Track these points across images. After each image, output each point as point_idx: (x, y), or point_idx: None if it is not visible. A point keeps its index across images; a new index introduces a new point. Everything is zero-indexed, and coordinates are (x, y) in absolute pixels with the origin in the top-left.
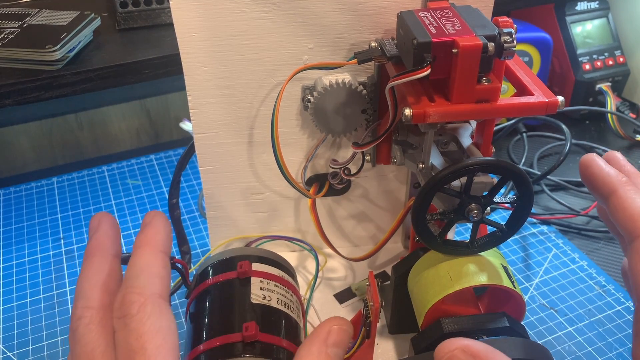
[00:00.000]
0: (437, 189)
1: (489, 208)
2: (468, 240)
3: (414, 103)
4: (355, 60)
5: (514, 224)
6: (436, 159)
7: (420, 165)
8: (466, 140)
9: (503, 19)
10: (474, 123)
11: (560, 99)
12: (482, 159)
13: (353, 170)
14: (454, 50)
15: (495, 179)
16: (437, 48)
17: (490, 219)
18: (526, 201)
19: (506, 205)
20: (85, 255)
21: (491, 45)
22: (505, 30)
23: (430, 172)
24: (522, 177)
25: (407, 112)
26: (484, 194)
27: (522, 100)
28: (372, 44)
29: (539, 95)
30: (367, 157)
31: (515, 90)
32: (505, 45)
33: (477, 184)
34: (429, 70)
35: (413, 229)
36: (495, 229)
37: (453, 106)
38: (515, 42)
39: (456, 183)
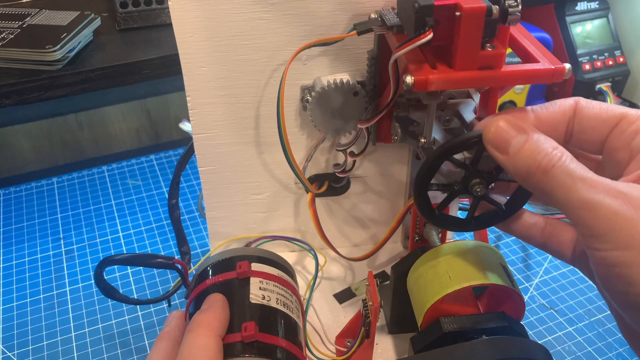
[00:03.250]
0: (448, 155)
1: (492, 185)
2: (465, 217)
3: (416, 70)
4: (354, 32)
5: (514, 205)
6: (438, 134)
7: (422, 141)
8: (469, 115)
9: None
10: (477, 98)
11: (567, 66)
12: None
13: (357, 151)
14: (457, 14)
15: None
16: (440, 11)
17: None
18: None
19: (510, 184)
20: (157, 338)
21: (495, 8)
22: None
23: (432, 148)
24: None
25: (409, 79)
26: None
27: (527, 67)
28: (372, 15)
29: (545, 62)
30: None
31: (520, 60)
32: (510, 9)
33: (485, 157)
34: (431, 34)
35: (413, 199)
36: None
37: (456, 73)
38: (520, 7)
39: (460, 156)
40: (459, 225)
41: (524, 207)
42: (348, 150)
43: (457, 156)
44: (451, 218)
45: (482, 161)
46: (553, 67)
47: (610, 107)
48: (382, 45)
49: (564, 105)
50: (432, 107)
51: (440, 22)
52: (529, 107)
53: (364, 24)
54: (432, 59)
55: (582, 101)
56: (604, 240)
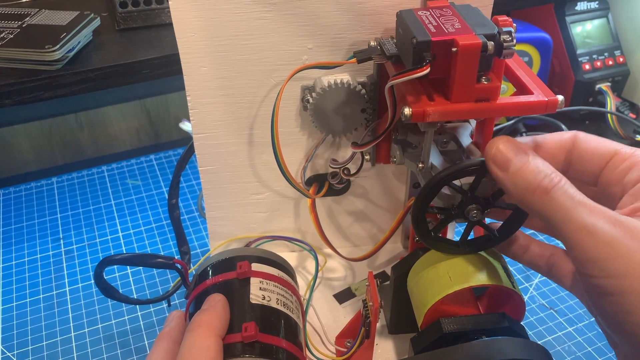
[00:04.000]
0: (448, 181)
1: (488, 211)
2: (458, 240)
3: (414, 102)
4: (354, 60)
5: (506, 231)
6: (436, 159)
7: (420, 165)
8: (466, 140)
9: (502, 18)
10: (473, 122)
11: (560, 98)
12: None
13: (352, 170)
14: (454, 49)
15: None
16: (437, 47)
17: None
18: (523, 212)
19: (506, 210)
20: (157, 338)
21: (490, 44)
22: (504, 29)
23: (430, 172)
24: None
25: (407, 111)
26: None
27: (521, 99)
28: (372, 43)
29: (539, 94)
30: (367, 157)
31: (515, 90)
32: (504, 44)
33: (485, 183)
34: (428, 69)
35: (411, 221)
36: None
37: (452, 105)
38: (514, 41)
39: (457, 182)
40: (452, 248)
41: (532, 237)
42: (342, 169)
43: (455, 182)
44: (445, 240)
45: (479, 188)
46: (547, 99)
47: (606, 143)
48: (382, 72)
49: (562, 136)
50: (429, 134)
51: (437, 56)
52: (529, 137)
53: (364, 52)
54: (430, 90)
55: (581, 135)
56: (599, 267)
